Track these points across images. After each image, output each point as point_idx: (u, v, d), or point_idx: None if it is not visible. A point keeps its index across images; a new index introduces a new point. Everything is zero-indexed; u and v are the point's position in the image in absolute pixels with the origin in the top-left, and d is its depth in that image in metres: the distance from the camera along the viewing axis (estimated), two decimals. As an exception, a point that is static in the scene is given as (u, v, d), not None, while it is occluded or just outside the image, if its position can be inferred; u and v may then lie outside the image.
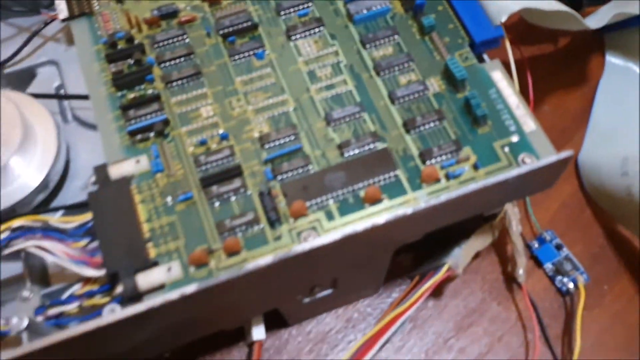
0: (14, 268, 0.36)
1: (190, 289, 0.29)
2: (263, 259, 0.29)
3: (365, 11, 0.38)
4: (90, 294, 0.32)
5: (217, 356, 0.41)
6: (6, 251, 0.31)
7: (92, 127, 0.39)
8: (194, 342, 0.39)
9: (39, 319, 0.30)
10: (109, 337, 0.30)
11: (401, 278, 0.44)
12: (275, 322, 0.41)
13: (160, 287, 0.31)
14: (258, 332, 0.39)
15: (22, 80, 0.40)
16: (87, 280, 0.33)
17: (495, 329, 0.43)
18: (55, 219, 0.32)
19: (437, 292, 0.44)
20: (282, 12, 0.38)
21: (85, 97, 0.38)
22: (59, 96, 0.39)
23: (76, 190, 0.37)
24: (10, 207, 0.34)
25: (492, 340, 0.42)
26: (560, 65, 0.54)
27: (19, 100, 0.35)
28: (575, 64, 0.54)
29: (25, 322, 0.29)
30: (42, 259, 0.36)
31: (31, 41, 0.40)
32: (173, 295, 0.28)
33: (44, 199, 0.36)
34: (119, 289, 0.31)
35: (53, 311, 0.32)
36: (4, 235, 0.31)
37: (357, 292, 0.42)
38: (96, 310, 0.32)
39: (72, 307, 0.32)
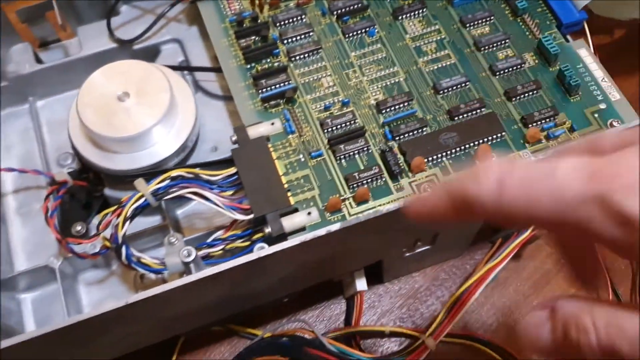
0: (151, 221, 0.40)
1: (335, 226, 0.33)
2: (391, 204, 0.33)
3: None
4: (232, 238, 0.37)
5: (319, 309, 0.45)
6: (167, 196, 0.35)
7: (214, 96, 0.43)
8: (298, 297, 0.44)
9: (200, 253, 0.34)
10: (254, 274, 0.35)
11: (482, 242, 0.48)
12: (371, 279, 0.45)
13: (301, 229, 0.35)
14: (361, 284, 0.43)
15: (148, 56, 0.45)
16: (227, 227, 0.37)
17: (569, 286, 0.47)
18: (204, 172, 0.36)
19: (515, 255, 0.48)
20: (379, -4, 0.43)
21: (211, 70, 0.43)
22: (191, 68, 0.43)
23: (206, 151, 0.41)
24: (154, 164, 0.38)
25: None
26: (615, 55, 0.58)
27: (162, 69, 0.39)
28: (629, 55, 0.58)
29: (194, 254, 0.34)
30: (175, 212, 0.41)
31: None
32: (320, 232, 0.33)
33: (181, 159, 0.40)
34: (267, 230, 0.35)
35: (202, 252, 0.36)
36: (164, 184, 0.35)
37: (447, 252, 0.46)
38: (239, 252, 0.36)
39: (217, 249, 0.36)
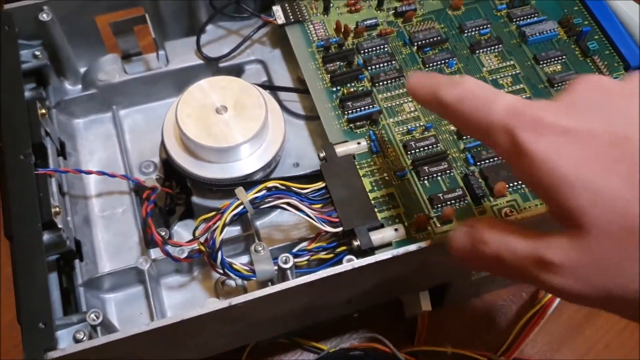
0: (231, 231, 0.42)
1: (424, 243, 0.35)
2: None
3: (537, 34, 0.45)
4: (317, 250, 0.38)
5: (381, 327, 0.47)
6: (264, 206, 0.37)
7: (296, 115, 0.46)
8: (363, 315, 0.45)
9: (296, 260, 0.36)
10: (340, 286, 0.36)
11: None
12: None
13: (388, 245, 0.37)
14: (426, 304, 0.45)
15: (232, 74, 0.46)
16: (312, 239, 0.39)
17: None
18: (295, 185, 0.38)
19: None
20: (466, 31, 0.45)
21: (298, 91, 0.45)
22: (280, 88, 0.45)
23: (289, 166, 0.43)
24: (243, 176, 0.40)
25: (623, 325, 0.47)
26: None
27: (258, 88, 0.41)
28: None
29: (292, 261, 0.35)
30: (255, 223, 0.42)
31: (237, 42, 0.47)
32: (412, 247, 0.34)
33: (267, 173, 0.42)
34: (355, 243, 0.36)
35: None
36: (261, 193, 0.37)
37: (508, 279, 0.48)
38: (322, 264, 0.38)
39: (302, 259, 0.38)
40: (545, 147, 0.24)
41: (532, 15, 0.46)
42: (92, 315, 0.33)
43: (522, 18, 0.45)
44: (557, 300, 0.44)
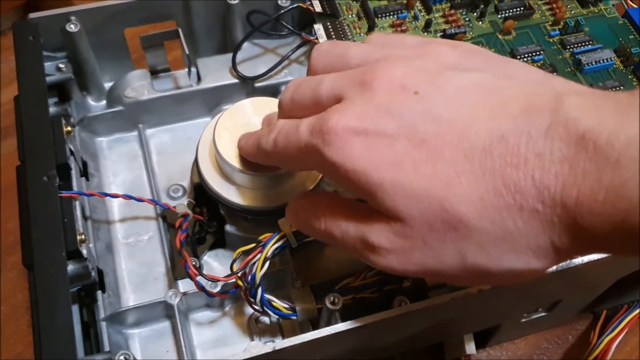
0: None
1: (484, 286, 0.32)
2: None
3: (594, 63, 0.42)
4: (362, 288, 0.35)
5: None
6: (308, 239, 0.34)
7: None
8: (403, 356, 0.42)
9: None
10: (390, 328, 0.33)
11: (582, 312, 0.47)
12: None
13: (441, 285, 0.34)
14: (470, 347, 0.42)
15: (267, 94, 0.44)
16: (357, 275, 0.36)
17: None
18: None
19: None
20: (518, 57, 0.42)
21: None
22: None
23: (329, 196, 0.40)
24: (281, 205, 0.37)
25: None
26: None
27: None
28: None
29: (341, 302, 0.32)
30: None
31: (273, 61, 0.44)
32: (472, 290, 0.32)
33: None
34: (406, 283, 0.33)
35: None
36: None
37: (556, 320, 0.45)
38: (367, 303, 0.35)
39: (347, 298, 0.34)
40: (350, 156, 0.25)
41: (587, 43, 0.43)
42: (122, 358, 0.30)
43: (576, 45, 0.43)
44: (612, 348, 0.41)
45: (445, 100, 0.25)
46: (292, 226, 0.33)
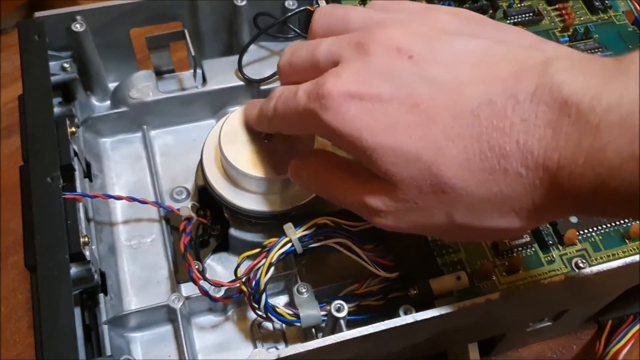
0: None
1: (491, 296, 0.31)
2: (556, 277, 0.32)
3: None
4: (367, 295, 0.35)
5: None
6: (314, 244, 0.33)
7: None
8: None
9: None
10: (395, 337, 0.33)
11: (587, 321, 0.47)
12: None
13: (448, 294, 0.33)
14: (474, 354, 0.41)
15: (272, 97, 0.43)
16: (362, 282, 0.36)
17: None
18: (345, 222, 0.35)
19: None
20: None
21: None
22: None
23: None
24: (288, 209, 0.37)
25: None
26: None
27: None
28: None
29: (346, 310, 0.32)
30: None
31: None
32: (480, 300, 0.31)
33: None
34: (413, 291, 0.33)
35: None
36: (310, 231, 0.33)
37: (561, 330, 0.44)
38: (372, 311, 0.35)
39: (351, 305, 0.34)
40: (347, 120, 0.26)
41: (596, 50, 0.43)
42: (124, 363, 0.30)
43: (585, 52, 0.43)
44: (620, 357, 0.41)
45: (438, 63, 0.25)
46: (297, 230, 0.33)
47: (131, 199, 0.38)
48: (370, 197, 0.27)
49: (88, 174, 0.40)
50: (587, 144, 0.21)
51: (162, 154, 0.43)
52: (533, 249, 0.35)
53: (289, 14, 0.43)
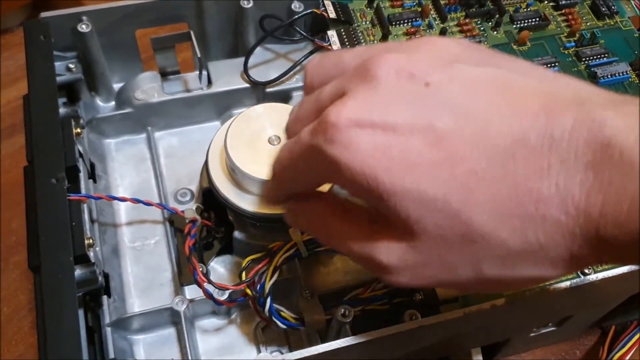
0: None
1: (497, 302, 0.31)
2: (562, 283, 0.32)
3: (609, 76, 0.42)
4: (372, 300, 0.35)
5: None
6: (319, 248, 0.33)
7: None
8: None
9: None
10: (400, 342, 0.33)
11: (590, 327, 0.46)
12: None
13: (453, 300, 0.33)
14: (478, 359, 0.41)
15: (278, 100, 0.43)
16: (366, 286, 0.35)
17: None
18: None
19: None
20: (533, 68, 0.42)
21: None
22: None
23: (339, 204, 0.40)
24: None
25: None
26: None
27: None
28: None
29: (352, 314, 0.31)
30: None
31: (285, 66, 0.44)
32: (485, 305, 0.31)
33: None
34: (419, 296, 0.33)
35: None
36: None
37: (564, 335, 0.44)
38: (375, 317, 0.34)
39: (356, 308, 0.34)
40: (356, 155, 0.22)
41: (602, 56, 0.43)
42: (128, 366, 0.29)
43: (592, 58, 0.43)
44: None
45: (461, 92, 0.22)
46: (303, 234, 0.33)
47: (135, 200, 0.38)
48: (381, 251, 0.24)
49: (92, 175, 0.40)
50: (632, 190, 0.19)
51: (167, 155, 0.43)
52: (539, 255, 0.35)
53: (296, 16, 0.42)
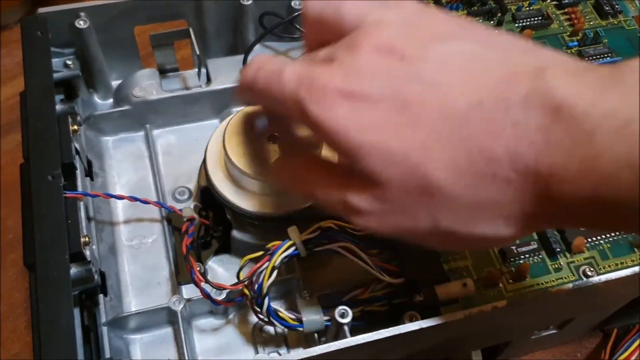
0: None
1: (498, 304, 0.31)
2: (564, 285, 0.31)
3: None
4: (371, 301, 0.34)
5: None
6: (318, 248, 0.33)
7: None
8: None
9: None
10: (399, 343, 0.32)
11: (592, 330, 0.46)
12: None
13: (454, 301, 0.33)
14: (478, 362, 0.41)
15: (277, 98, 0.43)
16: (365, 287, 0.35)
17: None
18: (349, 225, 0.34)
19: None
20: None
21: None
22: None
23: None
24: (293, 211, 0.36)
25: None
26: None
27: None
28: None
29: (350, 316, 0.31)
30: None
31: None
32: (486, 307, 0.31)
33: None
34: (418, 297, 0.33)
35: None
36: (315, 234, 0.33)
37: (565, 337, 0.44)
38: (374, 318, 0.34)
39: (355, 309, 0.34)
40: (334, 117, 0.25)
41: (606, 55, 0.42)
42: (124, 367, 0.29)
43: (595, 57, 0.42)
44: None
45: (430, 64, 0.25)
46: (301, 233, 0.32)
47: (133, 198, 0.37)
48: (353, 196, 0.26)
49: (89, 173, 0.40)
50: (581, 151, 0.21)
51: (165, 153, 0.43)
52: (540, 256, 0.34)
53: (295, 14, 0.42)
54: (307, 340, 0.35)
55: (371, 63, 0.26)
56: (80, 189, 0.36)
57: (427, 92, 0.24)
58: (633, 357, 0.41)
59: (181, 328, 0.34)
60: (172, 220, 0.40)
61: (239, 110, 0.37)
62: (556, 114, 0.21)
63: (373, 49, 0.26)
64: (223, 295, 0.34)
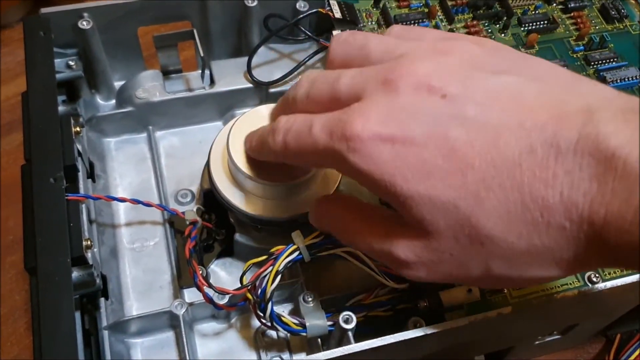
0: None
1: (503, 310, 0.31)
2: (570, 291, 0.31)
3: (619, 81, 0.41)
4: (375, 306, 0.34)
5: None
6: (323, 253, 0.32)
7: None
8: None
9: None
10: (403, 349, 0.32)
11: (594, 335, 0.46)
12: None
13: (458, 307, 0.33)
14: (481, 368, 0.41)
15: (281, 100, 0.43)
16: (369, 292, 0.35)
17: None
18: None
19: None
20: (541, 72, 0.41)
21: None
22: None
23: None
24: (296, 215, 0.36)
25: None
26: None
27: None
28: None
29: (354, 321, 0.31)
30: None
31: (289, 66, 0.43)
32: (491, 313, 0.30)
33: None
34: (423, 303, 0.32)
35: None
36: (319, 239, 0.32)
37: (569, 343, 0.43)
38: (378, 324, 0.34)
39: (359, 315, 0.33)
40: (376, 164, 0.24)
41: (612, 60, 0.42)
42: (125, 371, 0.29)
43: (600, 62, 0.42)
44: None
45: (474, 104, 0.24)
46: (305, 238, 0.32)
47: (135, 201, 0.37)
48: (399, 247, 0.26)
49: (91, 175, 0.39)
50: (635, 201, 0.20)
51: (168, 155, 0.43)
52: (546, 263, 0.34)
53: (300, 16, 0.42)
54: (310, 345, 0.35)
55: (410, 103, 0.25)
56: (82, 191, 0.36)
57: (474, 135, 0.23)
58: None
59: (183, 332, 0.34)
60: (174, 223, 0.39)
61: (243, 113, 0.37)
62: (609, 161, 0.21)
63: (410, 87, 0.25)
64: (225, 300, 0.34)
